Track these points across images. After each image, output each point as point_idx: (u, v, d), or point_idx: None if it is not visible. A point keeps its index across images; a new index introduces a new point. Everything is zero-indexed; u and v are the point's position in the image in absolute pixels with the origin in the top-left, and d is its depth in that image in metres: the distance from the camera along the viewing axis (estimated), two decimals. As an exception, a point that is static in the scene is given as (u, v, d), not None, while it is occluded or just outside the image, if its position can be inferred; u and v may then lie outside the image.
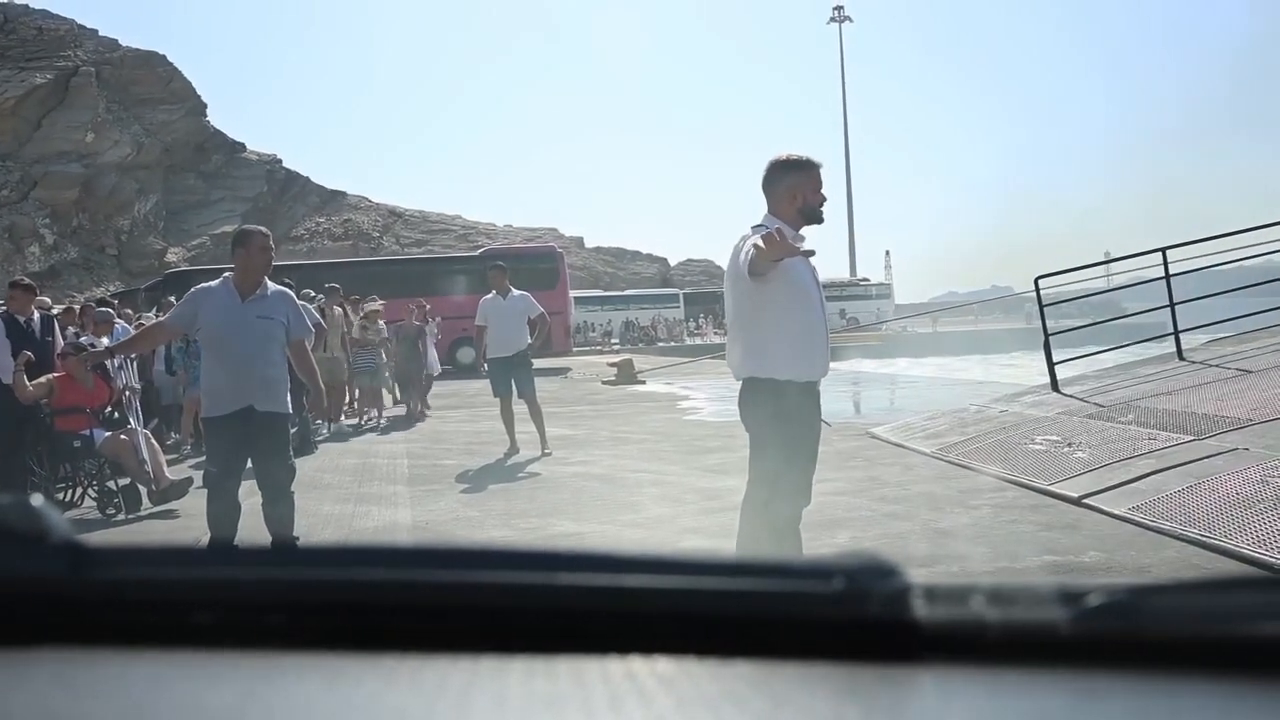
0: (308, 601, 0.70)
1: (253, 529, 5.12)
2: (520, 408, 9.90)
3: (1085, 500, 6.27)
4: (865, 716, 0.58)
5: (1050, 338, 10.20)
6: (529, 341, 9.90)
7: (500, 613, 0.67)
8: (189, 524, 6.58)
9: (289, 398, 5.27)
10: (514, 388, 9.85)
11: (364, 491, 7.99)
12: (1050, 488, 6.69)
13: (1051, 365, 10.04)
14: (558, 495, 7.49)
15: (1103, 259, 12.99)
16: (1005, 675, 0.62)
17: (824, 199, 4.02)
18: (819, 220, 4.01)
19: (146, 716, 0.60)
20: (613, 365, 20.09)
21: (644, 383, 19.72)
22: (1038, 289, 10.44)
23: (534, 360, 10.11)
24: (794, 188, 3.95)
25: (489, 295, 10.04)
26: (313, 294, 12.38)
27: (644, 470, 8.43)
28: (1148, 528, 5.56)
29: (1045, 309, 10.54)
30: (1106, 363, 11.01)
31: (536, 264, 26.84)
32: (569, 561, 0.69)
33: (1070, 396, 9.47)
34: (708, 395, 17.02)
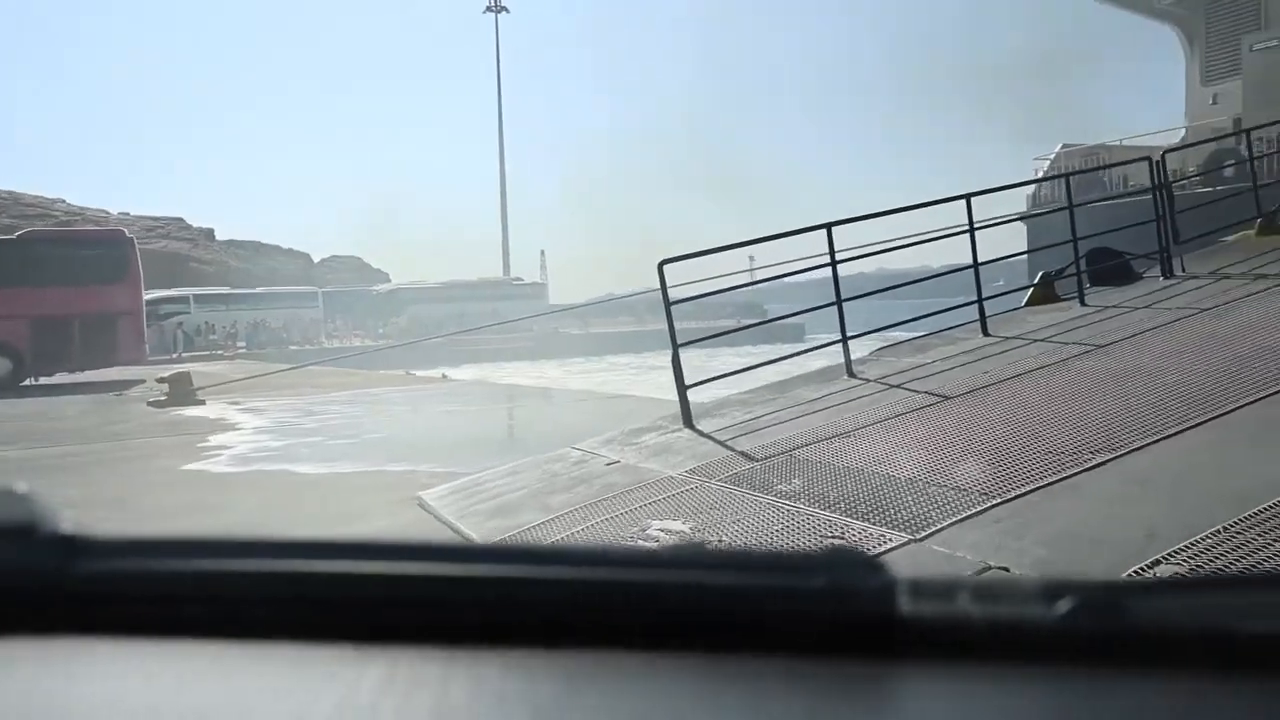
0: (295, 594, 0.68)
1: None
2: None
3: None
4: (850, 711, 0.59)
5: (680, 348, 7.20)
6: None
7: (484, 606, 0.66)
8: None
9: None
10: None
11: None
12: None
13: (683, 392, 7.03)
14: None
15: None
16: (989, 671, 0.62)
17: None
18: None
19: (129, 704, 0.60)
20: (163, 381, 15.64)
21: (203, 403, 15.45)
22: (661, 275, 7.31)
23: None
24: None
25: None
26: None
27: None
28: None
29: (674, 307, 7.50)
30: (756, 381, 8.19)
31: (98, 250, 21.84)
32: (554, 556, 0.68)
33: (707, 436, 6.53)
34: (271, 420, 13.16)
